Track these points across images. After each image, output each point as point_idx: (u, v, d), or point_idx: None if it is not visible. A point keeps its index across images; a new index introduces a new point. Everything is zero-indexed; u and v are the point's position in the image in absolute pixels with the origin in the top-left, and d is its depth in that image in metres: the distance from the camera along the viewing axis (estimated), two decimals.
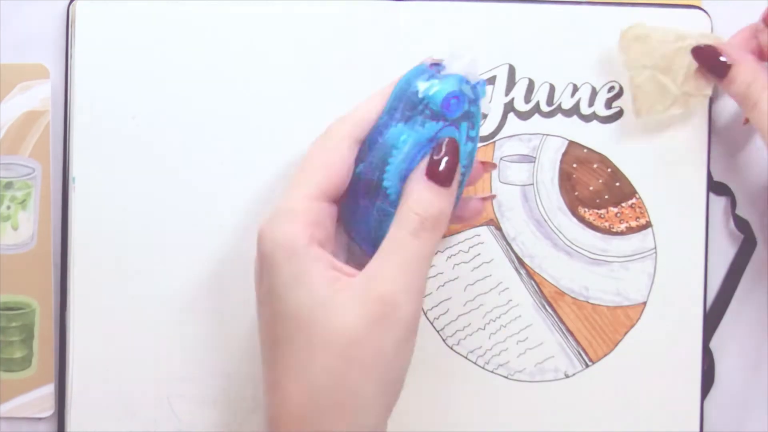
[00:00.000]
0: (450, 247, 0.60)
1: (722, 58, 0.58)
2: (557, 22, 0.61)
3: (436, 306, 0.60)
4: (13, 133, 0.60)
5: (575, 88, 0.61)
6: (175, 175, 0.59)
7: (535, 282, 0.61)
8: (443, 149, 0.50)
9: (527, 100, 0.61)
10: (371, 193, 0.51)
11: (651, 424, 0.61)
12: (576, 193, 0.61)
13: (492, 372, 0.61)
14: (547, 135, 0.61)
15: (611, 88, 0.61)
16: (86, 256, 0.59)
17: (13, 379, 0.60)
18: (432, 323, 0.60)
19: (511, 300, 0.61)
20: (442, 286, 0.60)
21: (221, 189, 0.60)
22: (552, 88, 0.61)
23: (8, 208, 0.60)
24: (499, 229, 0.61)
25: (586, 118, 0.61)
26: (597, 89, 0.61)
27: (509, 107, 0.61)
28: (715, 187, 0.62)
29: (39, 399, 0.60)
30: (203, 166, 0.59)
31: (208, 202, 0.59)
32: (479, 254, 0.61)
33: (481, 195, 0.59)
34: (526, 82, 0.61)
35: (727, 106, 0.62)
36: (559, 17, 0.61)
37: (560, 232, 0.61)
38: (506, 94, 0.61)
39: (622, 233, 0.61)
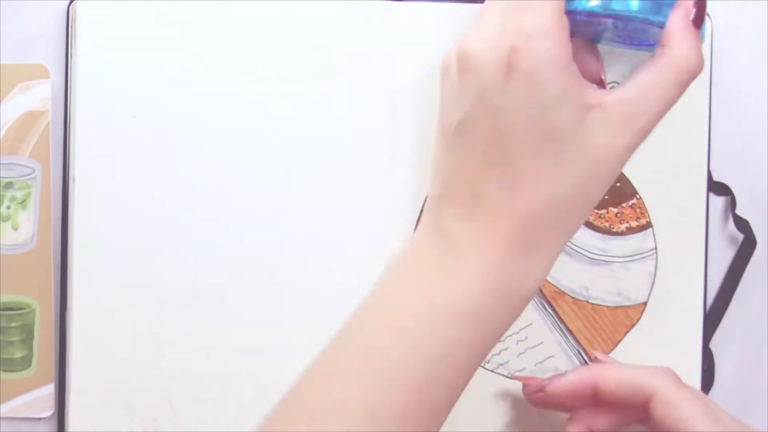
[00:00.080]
0: None
1: None
2: None
3: None
4: (13, 133, 0.60)
5: None
6: (176, 174, 0.59)
7: None
8: None
9: None
10: None
11: None
12: None
13: (492, 371, 0.61)
14: None
15: (611, 88, 0.61)
16: (86, 256, 0.59)
17: (13, 379, 0.60)
18: None
19: None
20: None
21: (221, 189, 0.59)
22: None
23: (8, 208, 0.60)
24: None
25: None
26: None
27: None
28: (715, 187, 0.62)
29: (39, 399, 0.60)
30: (204, 165, 0.59)
31: (209, 202, 0.59)
32: None
33: None
34: None
35: (727, 106, 0.62)
36: None
37: None
38: None
39: (622, 233, 0.61)
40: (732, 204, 0.62)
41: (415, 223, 0.60)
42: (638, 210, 0.61)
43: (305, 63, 0.60)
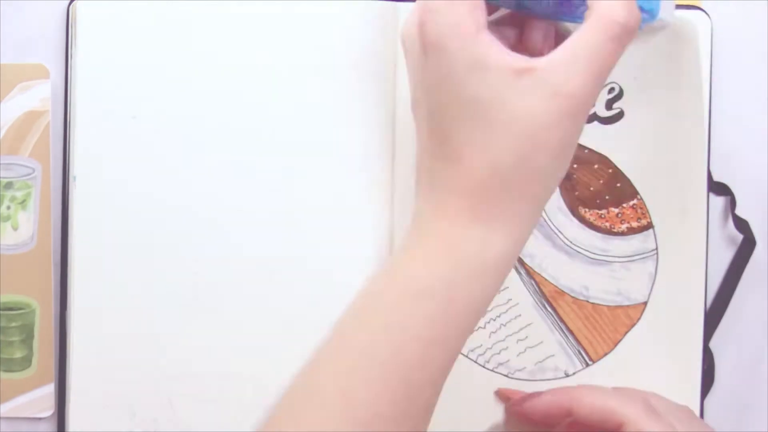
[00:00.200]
0: None
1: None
2: None
3: None
4: (13, 133, 0.60)
5: None
6: (176, 174, 0.59)
7: (535, 281, 0.61)
8: None
9: None
10: None
11: None
12: (576, 194, 0.61)
13: (492, 371, 0.61)
14: None
15: (611, 89, 0.61)
16: (86, 256, 0.59)
17: (13, 379, 0.60)
18: None
19: (511, 299, 0.61)
20: None
21: (221, 188, 0.59)
22: None
23: (8, 208, 0.60)
24: None
25: (587, 119, 0.61)
26: None
27: None
28: (715, 187, 0.62)
29: (39, 399, 0.60)
30: (203, 165, 0.59)
31: (209, 202, 0.59)
32: None
33: None
34: None
35: (727, 106, 0.62)
36: None
37: (560, 232, 0.61)
38: None
39: (623, 233, 0.61)
40: (732, 204, 0.62)
41: None
42: (639, 210, 0.61)
43: (305, 63, 0.60)
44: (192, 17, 0.59)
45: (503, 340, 0.61)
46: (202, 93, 0.59)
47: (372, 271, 0.59)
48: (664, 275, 0.61)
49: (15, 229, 0.60)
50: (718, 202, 0.62)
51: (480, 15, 0.49)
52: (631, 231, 0.61)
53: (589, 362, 0.61)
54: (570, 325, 0.61)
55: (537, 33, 0.54)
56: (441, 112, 0.50)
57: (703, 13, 0.61)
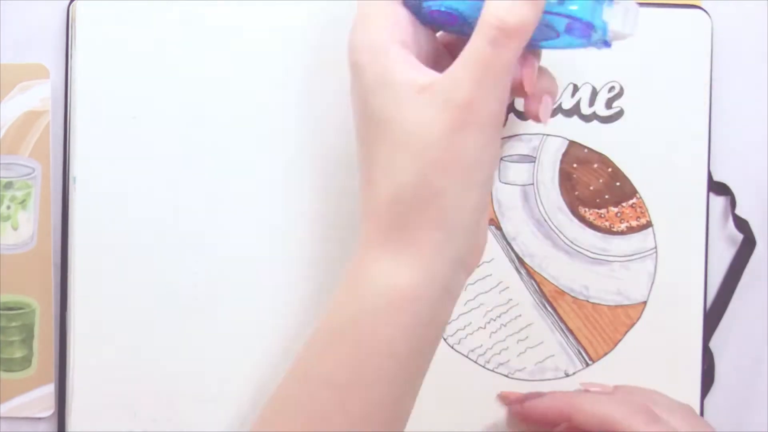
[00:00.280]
0: None
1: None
2: None
3: None
4: (13, 133, 0.60)
5: (575, 88, 0.61)
6: (176, 174, 0.59)
7: (535, 281, 0.61)
8: None
9: None
10: None
11: None
12: (576, 193, 0.61)
13: (492, 371, 0.61)
14: (548, 135, 0.61)
15: (611, 88, 0.61)
16: (86, 256, 0.59)
17: (13, 379, 0.60)
18: None
19: (511, 299, 0.61)
20: None
21: (221, 188, 0.59)
22: None
23: (8, 208, 0.60)
24: (499, 228, 0.61)
25: (587, 118, 0.61)
26: (597, 89, 0.61)
27: (509, 107, 0.61)
28: (715, 187, 0.62)
29: (39, 399, 0.60)
30: (203, 165, 0.59)
31: (209, 202, 0.59)
32: None
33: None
34: None
35: (727, 106, 0.62)
36: None
37: (560, 231, 0.61)
38: None
39: (622, 233, 0.61)
40: (732, 204, 0.62)
41: None
42: (638, 209, 0.61)
43: (305, 63, 0.60)
44: (192, 17, 0.59)
45: (503, 341, 0.61)
46: (202, 93, 0.59)
47: None
48: (664, 275, 0.61)
49: (15, 229, 0.60)
50: (718, 202, 0.62)
51: (396, 31, 0.48)
52: (631, 230, 0.61)
53: (589, 362, 0.61)
54: (570, 324, 0.61)
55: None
56: (359, 133, 0.49)
57: (704, 13, 0.61)
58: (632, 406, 0.55)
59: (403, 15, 0.49)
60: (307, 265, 0.60)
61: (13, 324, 0.60)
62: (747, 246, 0.62)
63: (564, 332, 0.61)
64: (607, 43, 0.49)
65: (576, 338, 0.61)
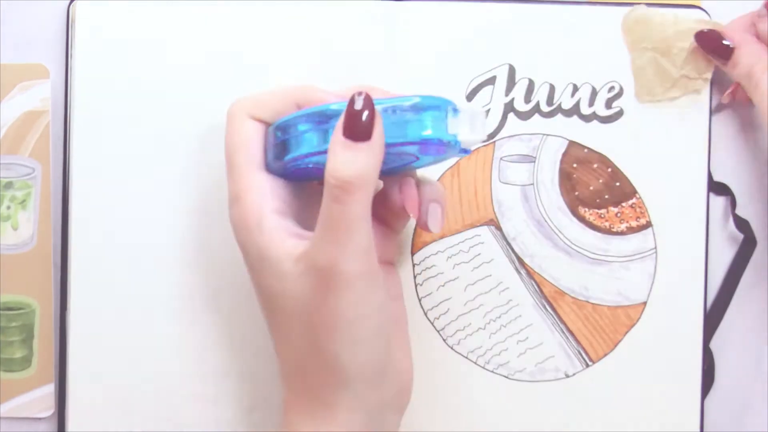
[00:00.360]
0: (450, 247, 0.60)
1: (725, 42, 0.58)
2: (557, 22, 0.61)
3: (437, 306, 0.60)
4: (13, 133, 0.60)
5: (575, 88, 0.61)
6: (176, 174, 0.59)
7: (535, 282, 0.61)
8: (358, 102, 0.47)
9: (527, 100, 0.61)
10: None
11: (651, 424, 0.61)
12: (576, 193, 0.61)
13: (492, 372, 0.61)
14: (547, 135, 0.61)
15: (611, 88, 0.61)
16: (86, 256, 0.59)
17: (13, 379, 0.60)
18: (432, 323, 0.60)
19: (511, 300, 0.61)
20: (443, 286, 0.60)
21: (221, 189, 0.59)
22: (552, 88, 0.61)
23: (8, 208, 0.60)
24: (499, 229, 0.61)
25: (586, 118, 0.61)
26: (597, 89, 0.61)
27: (509, 107, 0.61)
28: (715, 187, 0.62)
29: (39, 399, 0.60)
30: (203, 165, 0.59)
31: (209, 202, 0.59)
32: (479, 254, 0.61)
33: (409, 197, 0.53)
34: (526, 82, 0.61)
35: (727, 105, 0.62)
36: (559, 17, 0.61)
37: (560, 232, 0.61)
38: (506, 95, 0.61)
39: (622, 233, 0.61)
40: (732, 204, 0.62)
41: (413, 226, 0.60)
42: (638, 210, 0.61)
43: (305, 63, 0.60)
44: (192, 17, 0.59)
45: (503, 341, 0.61)
46: (202, 93, 0.59)
47: None
48: (664, 275, 0.61)
49: (15, 229, 0.60)
50: (718, 202, 0.62)
51: (267, 201, 0.49)
52: (631, 230, 0.61)
53: (590, 363, 0.61)
54: (570, 325, 0.61)
55: (392, 187, 0.52)
56: (260, 305, 0.51)
57: (704, 13, 0.61)
58: None
59: (271, 181, 0.50)
60: None
61: (13, 324, 0.60)
62: (747, 246, 0.62)
63: (564, 333, 0.61)
64: (465, 151, 0.50)
65: (576, 339, 0.61)
